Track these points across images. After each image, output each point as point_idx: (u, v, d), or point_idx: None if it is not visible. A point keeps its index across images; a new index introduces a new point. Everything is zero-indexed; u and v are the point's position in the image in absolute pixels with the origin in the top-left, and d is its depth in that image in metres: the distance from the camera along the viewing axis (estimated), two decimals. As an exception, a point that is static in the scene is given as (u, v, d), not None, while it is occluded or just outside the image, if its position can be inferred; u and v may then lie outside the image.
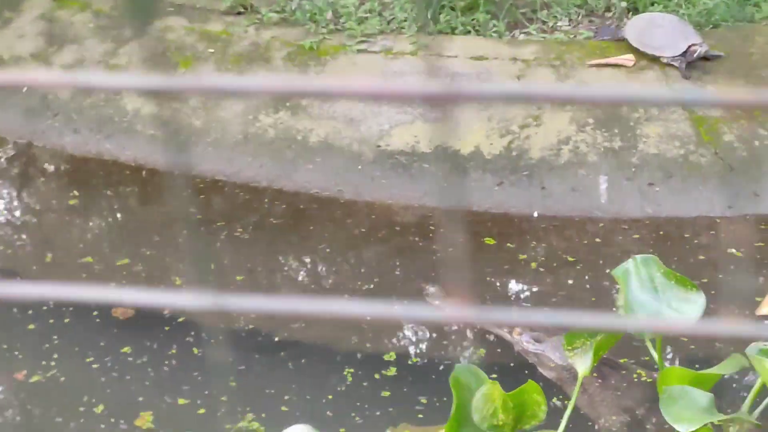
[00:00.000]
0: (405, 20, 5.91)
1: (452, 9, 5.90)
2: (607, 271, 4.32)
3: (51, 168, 5.61)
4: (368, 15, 5.98)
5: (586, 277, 4.52)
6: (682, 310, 3.37)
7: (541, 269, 4.56)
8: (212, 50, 5.94)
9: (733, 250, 4.61)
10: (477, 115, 5.25)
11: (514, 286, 4.50)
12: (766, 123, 5.06)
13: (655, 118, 5.14)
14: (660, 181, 4.91)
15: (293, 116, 5.44)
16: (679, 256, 4.55)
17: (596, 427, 3.79)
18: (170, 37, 6.07)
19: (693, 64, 5.32)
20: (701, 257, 4.58)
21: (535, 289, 4.48)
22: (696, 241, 4.67)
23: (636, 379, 3.92)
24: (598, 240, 4.71)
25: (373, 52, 5.69)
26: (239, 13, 6.20)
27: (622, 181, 4.94)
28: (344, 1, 6.12)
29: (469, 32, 5.78)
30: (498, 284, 4.53)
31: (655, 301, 3.39)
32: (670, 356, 3.92)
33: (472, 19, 5.83)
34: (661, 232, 4.74)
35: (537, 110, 5.22)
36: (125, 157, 5.53)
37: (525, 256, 4.63)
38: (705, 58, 5.33)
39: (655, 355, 3.75)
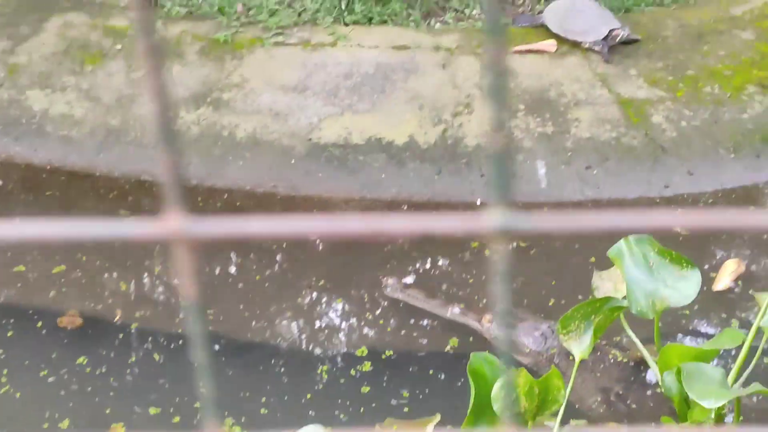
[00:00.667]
0: (317, 11, 5.81)
1: (366, -1, 5.84)
2: (583, 258, 4.37)
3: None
4: (278, 7, 5.86)
5: (542, 262, 4.53)
6: (678, 287, 3.41)
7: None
8: (119, 46, 5.70)
9: (678, 229, 4.69)
10: (408, 105, 5.21)
11: (473, 274, 4.47)
12: (690, 103, 5.19)
13: (583, 102, 5.20)
14: (596, 164, 4.98)
15: (216, 111, 5.28)
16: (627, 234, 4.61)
17: (577, 406, 3.80)
18: (72, 34, 5.81)
19: (613, 48, 5.41)
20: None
21: (487, 280, 4.45)
22: (640, 221, 4.74)
23: (612, 360, 3.96)
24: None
25: (291, 45, 5.58)
26: (142, 8, 5.98)
27: (560, 165, 4.98)
28: (252, -7, 5.99)
29: (386, 22, 5.73)
30: (455, 273, 4.48)
31: (651, 279, 3.42)
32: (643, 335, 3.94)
33: (388, 9, 5.78)
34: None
35: (466, 98, 5.21)
36: (38, 160, 5.26)
37: (477, 244, 4.61)
38: (624, 42, 5.43)
39: (632, 335, 3.80)
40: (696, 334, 4.14)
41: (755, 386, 3.10)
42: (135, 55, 5.59)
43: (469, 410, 3.02)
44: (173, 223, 0.51)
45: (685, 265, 3.41)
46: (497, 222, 0.53)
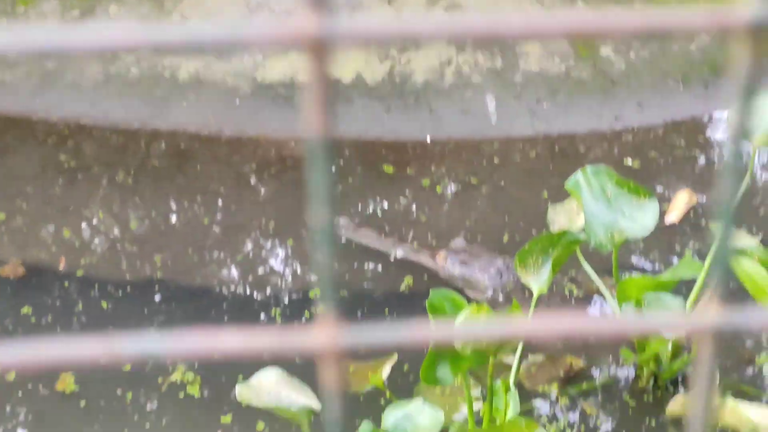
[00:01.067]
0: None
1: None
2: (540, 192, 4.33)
3: None
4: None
5: (495, 198, 4.50)
6: (636, 218, 3.39)
7: (448, 193, 4.51)
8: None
9: (629, 161, 4.69)
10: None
11: (425, 212, 4.42)
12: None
13: (532, 35, 5.14)
14: (546, 98, 4.93)
15: (156, 52, 5.14)
16: (579, 167, 4.59)
17: (534, 342, 3.78)
18: (2, -26, 5.61)
19: (561, -19, 5.36)
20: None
21: (445, 214, 4.42)
22: (591, 155, 4.72)
23: (567, 294, 3.95)
24: (497, 161, 4.69)
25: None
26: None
27: (510, 100, 4.92)
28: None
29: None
30: (406, 212, 4.43)
31: (609, 211, 3.40)
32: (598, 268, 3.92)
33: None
34: (557, 148, 4.76)
35: (413, 33, 5.13)
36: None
37: (428, 181, 4.56)
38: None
39: (588, 268, 3.79)
40: (650, 266, 4.14)
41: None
42: (70, -4, 5.42)
43: (429, 348, 2.98)
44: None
45: (643, 194, 3.39)
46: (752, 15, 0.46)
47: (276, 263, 4.17)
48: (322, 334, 0.54)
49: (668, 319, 0.48)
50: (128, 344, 0.54)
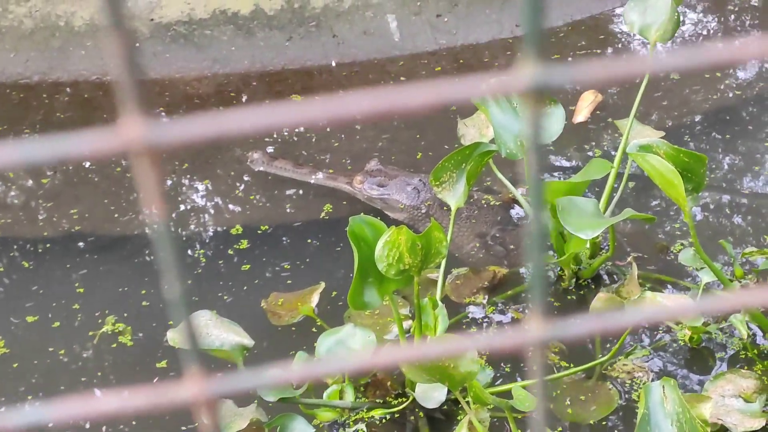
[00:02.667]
0: None
1: None
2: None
3: None
4: None
5: (404, 117, 4.52)
6: (544, 124, 3.45)
7: (358, 117, 4.53)
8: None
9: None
10: (248, -28, 5.08)
11: (337, 137, 4.45)
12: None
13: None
14: (446, 11, 4.96)
15: (48, 2, 5.05)
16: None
17: (456, 255, 3.86)
18: None
19: None
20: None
21: (359, 137, 4.45)
22: (496, 64, 4.77)
23: (485, 205, 4.02)
24: (403, 78, 4.72)
25: None
26: None
27: (410, 17, 4.94)
28: None
29: None
30: (319, 139, 4.45)
31: (517, 120, 3.46)
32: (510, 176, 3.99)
33: None
34: (461, 60, 4.81)
35: (308, -42, 5.11)
36: None
37: (337, 106, 4.58)
38: None
39: (502, 177, 3.87)
40: (561, 168, 4.22)
41: (628, 212, 3.19)
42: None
43: (354, 273, 3.04)
44: (133, 131, 0.48)
45: (548, 101, 3.45)
46: (532, 78, 0.51)
47: (196, 201, 4.18)
48: (192, 386, 0.57)
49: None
50: (12, 417, 0.56)
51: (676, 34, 3.65)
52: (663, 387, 2.62)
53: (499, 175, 3.85)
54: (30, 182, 4.30)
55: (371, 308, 3.19)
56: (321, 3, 4.97)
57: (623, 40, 4.88)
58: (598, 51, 4.86)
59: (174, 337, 3.06)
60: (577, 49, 4.85)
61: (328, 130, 4.47)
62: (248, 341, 3.05)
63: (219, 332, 3.05)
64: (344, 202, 4.07)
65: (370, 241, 3.04)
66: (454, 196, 3.41)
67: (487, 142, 3.52)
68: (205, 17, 4.95)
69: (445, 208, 3.85)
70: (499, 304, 3.66)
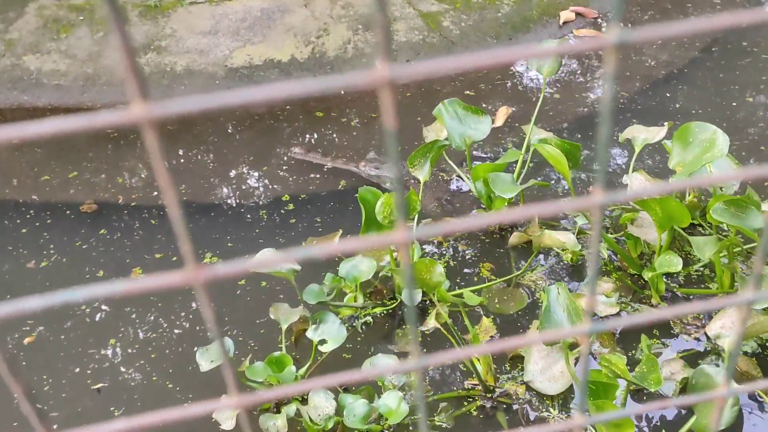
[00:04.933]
0: (215, -22, 5.52)
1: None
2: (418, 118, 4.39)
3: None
4: (187, -22, 5.54)
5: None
6: (478, 128, 3.49)
7: (359, 125, 4.55)
8: (82, 18, 5.32)
9: (468, 92, 4.76)
10: (286, 34, 5.06)
11: (346, 138, 4.46)
12: (465, 10, 5.18)
13: (398, 18, 5.13)
14: (413, 57, 4.96)
15: (158, 55, 5.02)
16: (438, 100, 4.66)
17: (423, 212, 3.88)
18: (47, 13, 5.38)
19: (413, -19, 5.32)
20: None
21: (360, 137, 4.46)
22: (445, 90, 4.78)
23: (441, 180, 4.05)
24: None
25: (201, 3, 5.30)
26: (92, -10, 5.57)
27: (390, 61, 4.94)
28: (168, -29, 5.63)
29: (262, -20, 5.49)
30: (335, 139, 4.47)
31: (461, 126, 3.49)
32: (457, 161, 4.02)
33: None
34: (423, 89, 4.82)
35: (324, 25, 5.09)
36: (41, 104, 4.94)
37: (345, 119, 4.59)
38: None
39: (451, 162, 3.89)
40: (488, 156, 4.24)
41: (531, 181, 3.24)
42: (95, 23, 5.23)
43: (362, 223, 3.08)
44: (139, 109, 0.47)
45: (480, 113, 3.49)
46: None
47: (259, 180, 4.18)
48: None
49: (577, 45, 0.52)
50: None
51: (558, 71, 3.68)
52: (558, 288, 2.67)
53: (449, 161, 3.88)
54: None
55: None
56: (333, 54, 4.97)
57: (527, 75, 4.88)
58: (506, 82, 4.86)
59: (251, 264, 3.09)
60: (495, 81, 4.85)
61: (339, 135, 4.47)
62: (297, 266, 3.08)
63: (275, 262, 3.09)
64: (353, 179, 4.09)
65: (372, 202, 3.07)
66: (422, 173, 3.45)
67: (442, 140, 3.54)
68: (259, 64, 4.94)
69: (416, 181, 3.89)
70: (451, 241, 3.69)
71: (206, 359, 2.83)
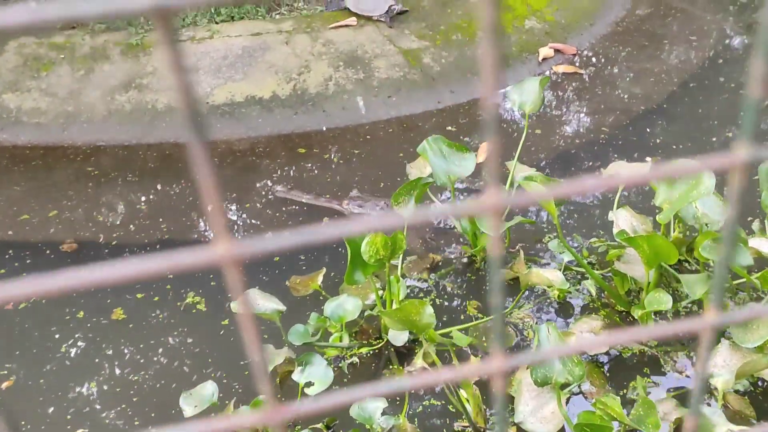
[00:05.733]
0: (196, 15, 5.48)
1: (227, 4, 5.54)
2: (401, 155, 4.33)
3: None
4: (169, 16, 5.49)
5: (370, 162, 4.50)
6: (463, 165, 3.44)
7: (341, 162, 4.49)
8: (62, 56, 5.25)
9: (450, 127, 4.74)
10: (267, 72, 5.01)
11: (328, 175, 4.40)
12: (445, 47, 5.18)
13: (380, 55, 5.12)
14: (394, 94, 4.94)
15: (140, 93, 4.95)
16: (418, 137, 4.63)
17: (408, 249, 3.81)
18: (26, 51, 5.30)
19: (393, 18, 5.33)
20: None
21: (339, 177, 4.40)
22: (426, 126, 4.75)
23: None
24: (368, 137, 4.69)
25: (183, 41, 5.25)
26: (73, 27, 5.50)
27: (371, 98, 4.91)
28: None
29: (243, 18, 5.46)
30: (317, 176, 4.40)
31: (445, 163, 3.43)
32: (441, 198, 3.96)
33: (244, 9, 5.50)
34: (405, 125, 4.78)
35: (305, 62, 5.05)
36: (21, 142, 4.84)
37: (327, 156, 4.54)
38: (399, 13, 5.35)
39: (435, 199, 3.82)
40: (473, 190, 4.19)
41: (518, 218, 3.18)
42: (76, 61, 5.16)
43: (348, 262, 3.00)
44: (223, 248, 0.41)
45: (465, 151, 3.44)
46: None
47: (240, 216, 4.10)
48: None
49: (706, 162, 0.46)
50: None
51: (541, 108, 3.66)
52: (548, 327, 2.61)
53: (433, 198, 3.83)
54: (135, 206, 4.20)
55: (359, 284, 3.15)
56: (314, 90, 4.93)
57: (508, 111, 4.87)
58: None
59: (235, 305, 2.99)
60: (476, 116, 4.84)
61: (321, 171, 4.41)
62: (281, 307, 3.00)
63: (263, 302, 3.00)
64: (336, 216, 4.02)
65: (357, 241, 3.01)
66: (407, 210, 3.38)
67: (427, 177, 3.49)
68: (241, 101, 4.88)
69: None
70: (436, 278, 3.62)
71: (190, 404, 2.72)
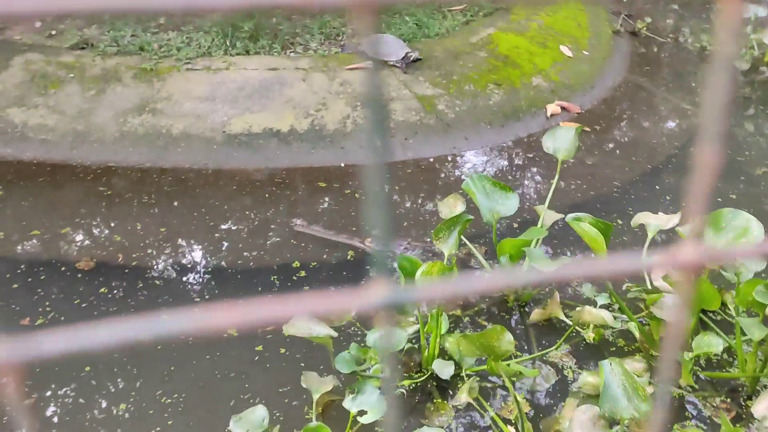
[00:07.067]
0: (210, 47, 5.46)
1: (243, 38, 5.54)
2: (438, 198, 4.31)
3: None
4: (182, 45, 5.46)
5: (391, 200, 4.49)
6: (506, 204, 3.47)
7: (362, 198, 4.48)
8: (72, 75, 5.13)
9: (466, 171, 4.78)
10: (285, 105, 5.00)
11: (351, 209, 4.36)
12: (458, 96, 5.27)
13: (395, 98, 5.17)
14: (410, 136, 4.98)
15: (154, 117, 4.86)
16: (434, 179, 4.66)
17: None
18: (33, 68, 5.17)
19: (408, 65, 5.41)
20: (450, 179, 4.72)
21: (359, 213, 4.37)
22: (442, 170, 4.79)
23: (456, 254, 3.96)
24: (387, 176, 4.68)
25: (198, 70, 5.21)
26: (82, 48, 5.40)
27: (389, 138, 4.93)
28: (161, 35, 5.54)
29: (258, 53, 5.46)
30: (341, 209, 4.36)
31: (489, 201, 3.46)
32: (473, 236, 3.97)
33: (259, 45, 5.51)
34: (422, 166, 4.81)
35: (322, 99, 5.06)
36: (26, 158, 4.67)
37: (348, 191, 4.51)
38: (414, 60, 5.44)
39: (465, 240, 3.84)
40: (513, 229, 4.20)
41: (563, 258, 3.21)
42: (86, 81, 5.05)
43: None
44: (378, 293, 0.41)
45: (508, 190, 3.47)
46: (382, 299, 0.42)
47: (269, 248, 4.02)
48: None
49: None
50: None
51: (576, 154, 3.73)
52: (611, 363, 2.61)
53: (464, 240, 3.83)
54: (154, 228, 4.07)
55: (410, 315, 3.11)
56: (332, 127, 4.93)
57: (546, 155, 4.89)
58: (536, 159, 4.91)
59: (287, 328, 2.91)
60: (521, 157, 4.90)
61: (343, 206, 4.38)
62: (333, 332, 2.93)
63: (314, 326, 2.93)
64: (359, 251, 3.97)
65: (409, 269, 2.98)
66: (447, 246, 3.37)
67: (465, 214, 3.49)
68: (258, 132, 4.85)
69: (432, 256, 3.83)
70: (471, 315, 3.60)
71: (242, 428, 2.60)
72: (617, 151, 5.08)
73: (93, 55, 5.30)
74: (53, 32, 5.56)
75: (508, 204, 3.44)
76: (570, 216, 3.19)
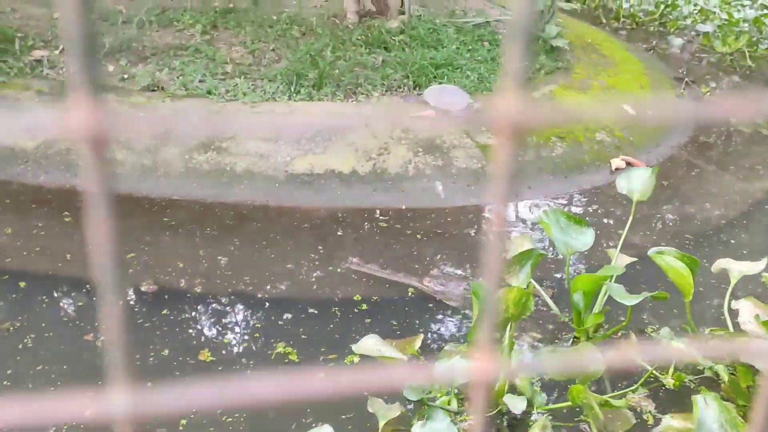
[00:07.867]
0: (275, 93, 5.57)
1: (307, 86, 5.65)
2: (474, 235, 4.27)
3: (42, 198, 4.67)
4: (248, 90, 5.58)
5: (452, 243, 4.42)
6: (580, 239, 3.38)
7: (424, 238, 4.41)
8: (142, 113, 5.24)
9: (530, 217, 4.70)
10: (347, 149, 5.02)
11: (410, 250, 4.29)
12: (523, 147, 5.24)
13: (458, 146, 5.16)
14: (473, 183, 4.94)
15: (219, 155, 4.93)
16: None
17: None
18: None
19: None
20: (514, 225, 4.64)
21: (422, 251, 4.30)
22: (507, 216, 4.71)
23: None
24: (449, 219, 4.63)
25: (262, 113, 5.30)
26: (152, 90, 5.56)
27: (450, 184, 4.91)
28: (229, 81, 5.68)
29: (321, 100, 5.55)
30: (400, 249, 4.30)
31: (563, 235, 3.38)
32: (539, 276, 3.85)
33: (322, 92, 5.60)
34: (484, 214, 4.75)
35: (384, 144, 5.08)
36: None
37: (410, 231, 4.46)
38: (476, 111, 5.46)
39: (531, 279, 3.72)
40: (592, 266, 4.09)
41: (645, 293, 3.08)
42: (154, 119, 5.15)
43: (474, 319, 2.86)
44: (81, 115, 0.34)
45: (583, 224, 3.39)
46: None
47: (329, 282, 3.96)
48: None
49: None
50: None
51: (651, 195, 3.63)
52: (704, 398, 2.45)
53: (532, 281, 3.71)
54: (215, 259, 4.05)
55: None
56: (394, 171, 4.92)
57: (621, 199, 4.75)
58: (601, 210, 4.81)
59: (358, 348, 2.82)
60: (584, 206, 4.81)
61: (404, 246, 4.32)
62: (403, 356, 2.82)
63: (384, 348, 2.83)
64: (417, 288, 3.88)
65: (482, 296, 2.88)
66: (518, 281, 3.27)
67: (537, 249, 3.40)
68: (320, 172, 4.86)
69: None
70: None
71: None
72: (685, 206, 4.96)
73: (163, 96, 5.44)
74: (125, 76, 5.74)
75: (582, 239, 3.34)
76: (653, 250, 3.08)
